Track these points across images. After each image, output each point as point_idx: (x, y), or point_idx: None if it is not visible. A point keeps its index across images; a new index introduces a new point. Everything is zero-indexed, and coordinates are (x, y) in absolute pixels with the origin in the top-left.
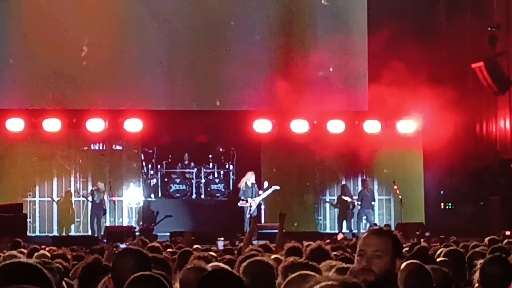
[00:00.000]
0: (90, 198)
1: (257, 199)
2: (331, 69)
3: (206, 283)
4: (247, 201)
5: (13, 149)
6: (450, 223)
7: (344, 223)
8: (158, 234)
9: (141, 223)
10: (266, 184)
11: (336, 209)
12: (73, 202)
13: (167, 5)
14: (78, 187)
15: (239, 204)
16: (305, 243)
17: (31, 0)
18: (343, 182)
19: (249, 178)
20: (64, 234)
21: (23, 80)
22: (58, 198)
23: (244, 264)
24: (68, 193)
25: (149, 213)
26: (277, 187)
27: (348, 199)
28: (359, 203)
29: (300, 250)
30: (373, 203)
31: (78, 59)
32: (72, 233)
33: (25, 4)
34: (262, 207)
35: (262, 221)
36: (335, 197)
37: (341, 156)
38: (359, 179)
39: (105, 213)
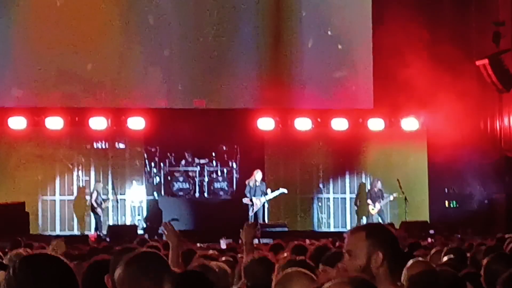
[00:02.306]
0: (88, 199)
1: (262, 199)
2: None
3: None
4: (251, 200)
5: (15, 148)
6: (454, 222)
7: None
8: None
9: (146, 222)
10: (269, 192)
11: (346, 206)
12: (86, 199)
13: (170, 6)
14: (80, 186)
15: (244, 200)
16: (308, 242)
17: None
18: (363, 180)
19: (257, 176)
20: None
21: (25, 78)
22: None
23: (245, 263)
24: (81, 190)
25: (154, 212)
26: (285, 191)
27: (369, 201)
28: (374, 205)
29: (305, 248)
30: (381, 201)
31: (81, 58)
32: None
33: (29, 2)
34: (266, 205)
35: (266, 219)
36: (339, 195)
37: (345, 154)
38: (363, 176)
39: (102, 213)
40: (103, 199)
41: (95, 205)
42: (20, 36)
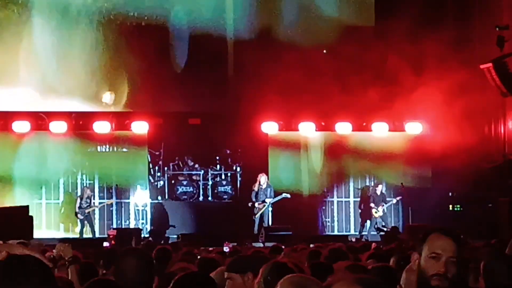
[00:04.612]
0: (78, 204)
1: (268, 201)
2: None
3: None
4: (253, 204)
5: (19, 151)
6: (458, 225)
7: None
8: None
9: (151, 226)
10: (272, 196)
11: (350, 210)
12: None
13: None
14: (83, 190)
15: (250, 204)
16: (312, 246)
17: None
18: (366, 184)
19: (262, 180)
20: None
21: (29, 82)
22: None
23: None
24: (70, 193)
25: (158, 216)
26: (288, 195)
27: (372, 205)
28: (377, 208)
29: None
30: (384, 204)
31: (84, 62)
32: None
33: (35, 6)
34: (270, 208)
35: (270, 223)
36: (343, 199)
37: (349, 157)
38: (367, 180)
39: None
40: (87, 205)
41: (76, 210)
42: (26, 39)
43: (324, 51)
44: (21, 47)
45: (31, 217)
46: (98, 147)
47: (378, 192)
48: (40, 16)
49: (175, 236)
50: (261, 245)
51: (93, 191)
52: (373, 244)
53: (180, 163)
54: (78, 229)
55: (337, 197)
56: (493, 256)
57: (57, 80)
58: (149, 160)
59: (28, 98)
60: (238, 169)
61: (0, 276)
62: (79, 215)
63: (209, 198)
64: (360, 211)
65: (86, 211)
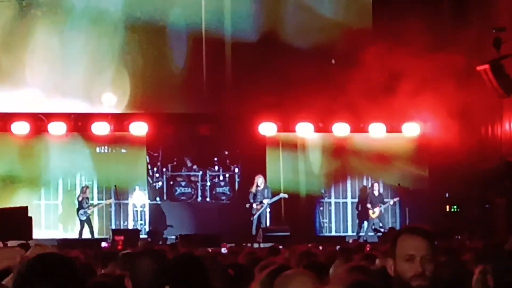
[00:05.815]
0: (77, 205)
1: (265, 202)
2: (333, 61)
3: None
4: (251, 205)
5: (18, 153)
6: (455, 226)
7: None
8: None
9: (149, 226)
10: (270, 196)
11: (347, 211)
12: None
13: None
14: (82, 191)
15: (247, 205)
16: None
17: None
18: (364, 185)
19: (259, 181)
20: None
21: (32, 83)
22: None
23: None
24: (69, 194)
25: (157, 217)
26: (285, 195)
27: (369, 206)
28: (374, 209)
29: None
30: (381, 205)
31: (83, 63)
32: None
33: (39, 8)
34: (267, 209)
35: (267, 223)
36: (340, 200)
37: (347, 159)
38: (364, 181)
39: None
40: (86, 206)
41: (76, 211)
42: (29, 41)
43: (333, 61)
44: (26, 49)
45: (31, 218)
46: (97, 148)
47: (376, 193)
48: (44, 18)
49: (174, 237)
50: (257, 246)
51: (92, 192)
52: (367, 245)
53: (178, 163)
54: (77, 229)
55: (335, 198)
56: (502, 256)
57: (59, 82)
58: (148, 161)
59: (29, 99)
60: (236, 170)
61: (27, 276)
62: (79, 216)
63: (208, 199)
64: (357, 212)
65: (86, 211)
